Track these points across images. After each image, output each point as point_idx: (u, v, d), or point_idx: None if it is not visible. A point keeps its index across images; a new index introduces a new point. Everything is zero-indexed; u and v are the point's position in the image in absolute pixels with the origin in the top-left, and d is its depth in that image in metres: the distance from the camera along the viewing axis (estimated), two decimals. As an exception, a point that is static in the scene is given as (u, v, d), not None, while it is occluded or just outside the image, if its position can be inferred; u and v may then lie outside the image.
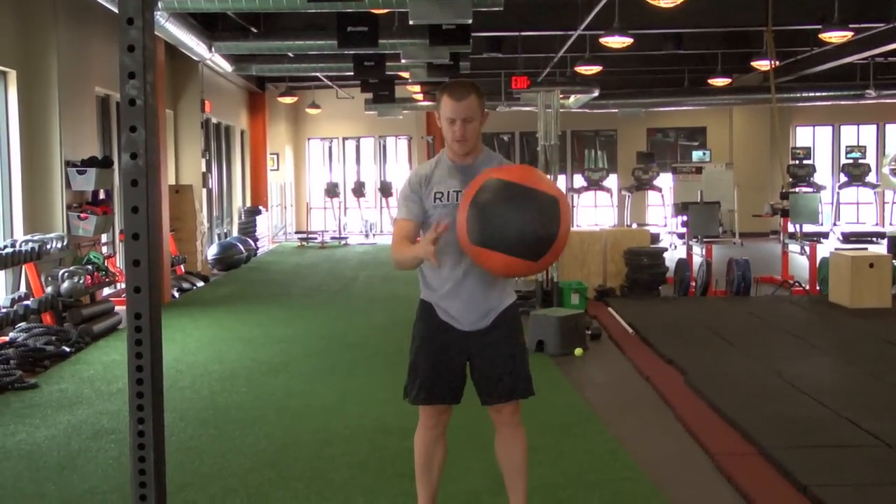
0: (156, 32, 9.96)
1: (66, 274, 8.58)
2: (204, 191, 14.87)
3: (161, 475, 2.05)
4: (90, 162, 9.48)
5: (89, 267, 9.08)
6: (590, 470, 4.64)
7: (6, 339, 7.71)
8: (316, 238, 19.91)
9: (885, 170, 19.74)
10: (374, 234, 20.87)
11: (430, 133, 21.40)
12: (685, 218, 12.34)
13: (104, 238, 10.54)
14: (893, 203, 19.91)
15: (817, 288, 10.76)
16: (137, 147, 1.96)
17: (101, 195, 9.95)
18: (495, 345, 3.52)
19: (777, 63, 14.12)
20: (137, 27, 1.97)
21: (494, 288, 3.50)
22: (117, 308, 9.37)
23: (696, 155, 18.75)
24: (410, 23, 9.54)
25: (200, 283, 12.81)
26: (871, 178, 19.65)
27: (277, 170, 20.95)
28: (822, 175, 20.05)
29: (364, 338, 8.61)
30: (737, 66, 16.58)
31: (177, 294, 11.65)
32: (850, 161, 19.39)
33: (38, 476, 4.67)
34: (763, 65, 14.24)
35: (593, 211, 21.93)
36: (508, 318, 3.55)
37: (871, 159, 19.98)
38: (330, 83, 19.24)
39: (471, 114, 3.43)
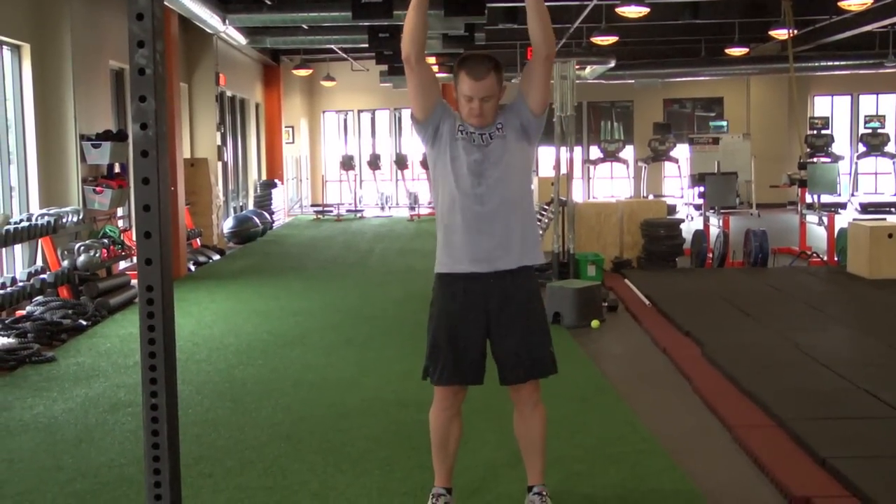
0: (169, 5, 9.91)
1: (83, 247, 8.61)
2: (219, 164, 14.87)
3: (175, 447, 2.04)
4: (105, 135, 9.48)
5: (105, 240, 9.12)
6: (607, 442, 4.62)
7: (23, 312, 7.75)
8: (331, 211, 19.91)
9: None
10: (389, 207, 20.84)
11: (446, 104, 21.28)
12: (702, 189, 12.25)
13: (120, 212, 10.57)
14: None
15: (835, 259, 10.68)
16: (147, 117, 1.93)
17: (117, 168, 9.96)
18: (513, 322, 3.45)
19: (795, 32, 13.94)
20: (146, -6, 1.94)
21: (518, 226, 3.41)
22: (133, 281, 9.40)
23: (714, 125, 18.60)
24: (425, -7, 9.45)
25: (216, 257, 12.84)
26: (890, 147, 19.44)
27: (293, 143, 20.91)
28: (841, 145, 19.84)
29: (380, 311, 8.61)
30: (754, 35, 16.39)
31: (193, 267, 11.68)
32: (869, 131, 19.20)
33: (55, 449, 4.70)
34: (781, 34, 14.07)
35: (609, 182, 21.85)
36: (526, 292, 3.48)
37: (890, 129, 19.77)
38: (345, 55, 19.15)
39: (489, 93, 3.37)
